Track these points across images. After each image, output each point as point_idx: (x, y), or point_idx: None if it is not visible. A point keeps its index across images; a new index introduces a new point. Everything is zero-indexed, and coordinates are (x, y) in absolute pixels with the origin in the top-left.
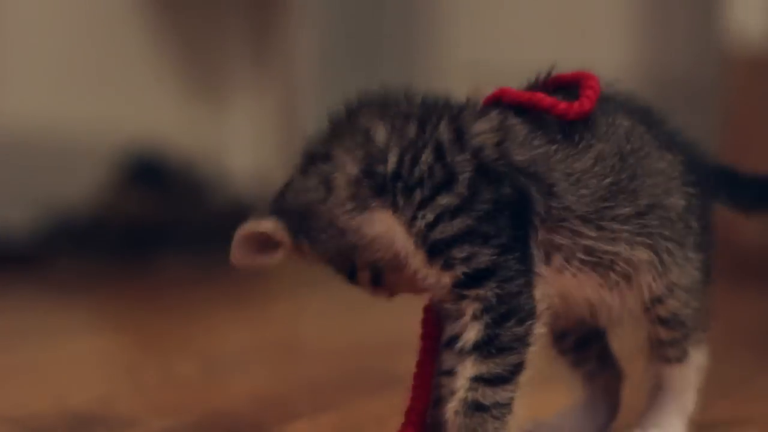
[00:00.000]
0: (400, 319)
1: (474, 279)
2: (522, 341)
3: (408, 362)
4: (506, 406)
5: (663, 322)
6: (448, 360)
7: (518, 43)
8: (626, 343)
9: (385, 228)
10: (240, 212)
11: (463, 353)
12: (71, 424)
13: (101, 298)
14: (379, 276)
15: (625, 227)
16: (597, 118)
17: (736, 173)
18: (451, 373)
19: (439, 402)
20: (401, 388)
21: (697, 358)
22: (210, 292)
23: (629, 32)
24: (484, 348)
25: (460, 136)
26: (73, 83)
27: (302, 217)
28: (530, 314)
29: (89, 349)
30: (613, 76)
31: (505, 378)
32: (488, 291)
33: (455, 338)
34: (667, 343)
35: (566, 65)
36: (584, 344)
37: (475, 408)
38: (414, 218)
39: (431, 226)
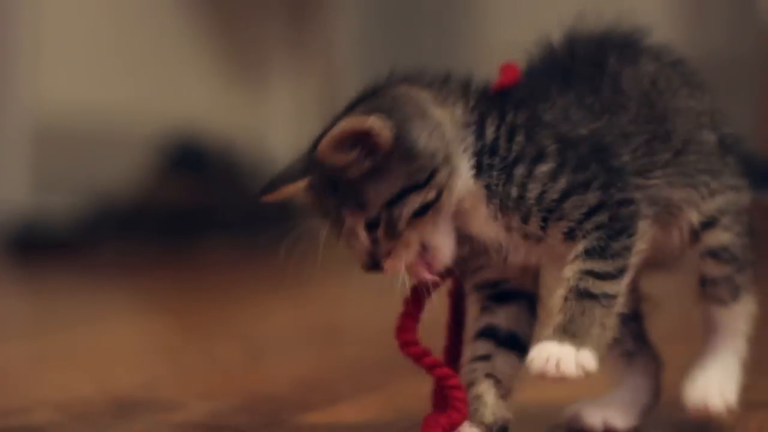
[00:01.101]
0: (439, 301)
1: (588, 216)
2: (629, 251)
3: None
4: (613, 298)
5: (713, 254)
6: (482, 347)
7: (557, 23)
8: (665, 328)
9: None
10: None
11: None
12: (115, 408)
13: (143, 283)
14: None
15: (668, 170)
16: (622, 71)
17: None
18: (486, 358)
19: (470, 386)
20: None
21: (748, 303)
22: (251, 275)
23: (669, 10)
24: (594, 252)
25: (533, 117)
26: (115, 70)
27: None
28: (635, 230)
29: (132, 334)
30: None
31: (613, 275)
32: (601, 217)
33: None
34: (718, 281)
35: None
36: (621, 323)
37: (586, 294)
38: (520, 191)
39: (541, 195)
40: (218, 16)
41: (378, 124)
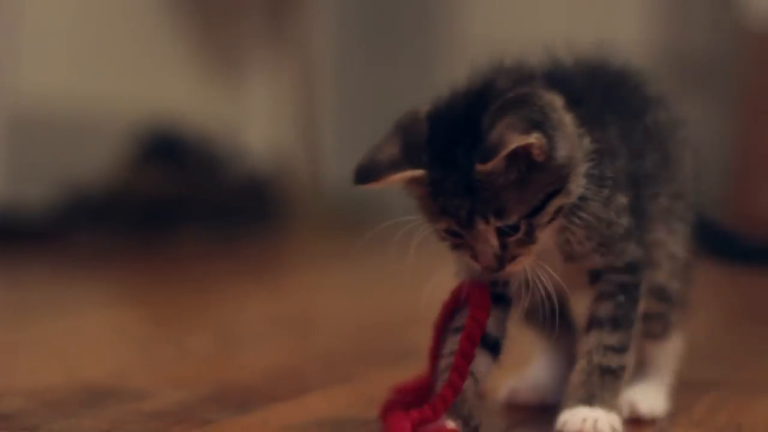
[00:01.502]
0: (414, 294)
1: (621, 272)
2: (636, 319)
3: (421, 336)
4: (626, 369)
5: (651, 292)
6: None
7: (535, 19)
8: None
9: None
10: (256, 188)
11: (594, 324)
12: (85, 397)
13: (117, 273)
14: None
15: (664, 220)
16: (644, 116)
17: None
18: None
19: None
20: (414, 362)
21: (677, 341)
22: (225, 266)
23: (647, 7)
24: (614, 324)
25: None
26: (91, 60)
27: None
28: (641, 296)
29: (104, 324)
30: (630, 51)
31: (627, 348)
32: (627, 278)
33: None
34: (652, 317)
35: (583, 40)
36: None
37: (608, 371)
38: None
39: (610, 223)
40: (196, 7)
41: (539, 143)
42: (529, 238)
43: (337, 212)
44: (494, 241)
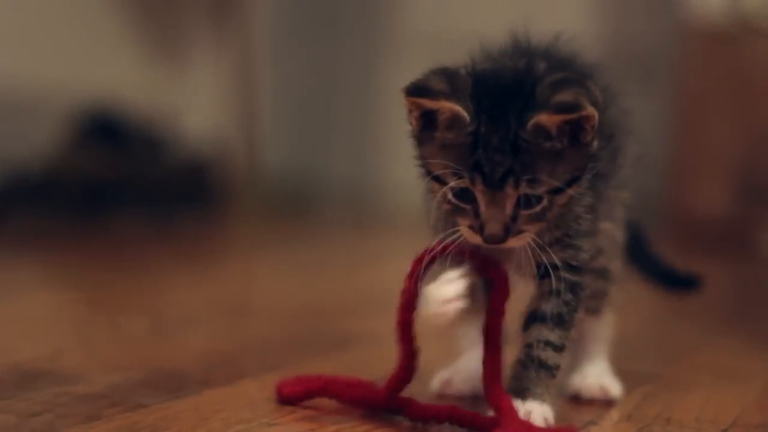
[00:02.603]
0: (349, 281)
1: (573, 270)
2: (575, 321)
3: (355, 324)
4: (559, 369)
5: (594, 272)
6: None
7: (478, 14)
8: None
9: None
10: (195, 172)
11: (537, 319)
12: (18, 378)
13: (53, 255)
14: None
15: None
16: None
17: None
18: None
19: None
20: (348, 349)
21: (609, 316)
22: (163, 250)
23: (590, 3)
24: (557, 322)
25: None
26: (31, 40)
27: None
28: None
29: (39, 306)
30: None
31: (564, 347)
32: (578, 278)
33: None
34: (593, 294)
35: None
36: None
37: (544, 366)
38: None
39: (576, 217)
40: None
41: (595, 119)
42: (542, 215)
43: (275, 198)
44: (510, 209)
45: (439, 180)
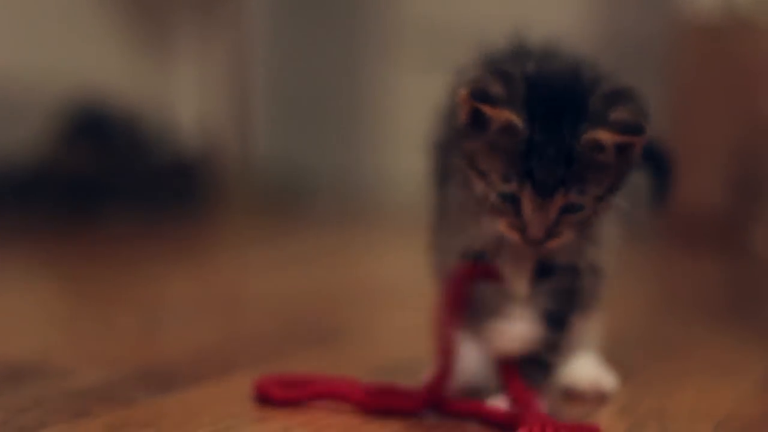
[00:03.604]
0: (339, 275)
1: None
2: (572, 324)
3: (346, 316)
4: (556, 366)
5: (587, 269)
6: None
7: (472, 6)
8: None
9: None
10: (184, 166)
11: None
12: (7, 374)
13: (41, 251)
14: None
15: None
16: None
17: None
18: None
19: None
20: (338, 342)
21: (601, 311)
22: (152, 244)
23: None
24: (554, 320)
25: None
26: (17, 34)
27: None
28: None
29: (28, 302)
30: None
31: (560, 347)
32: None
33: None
34: (586, 291)
35: (519, 26)
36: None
37: (538, 362)
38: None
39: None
40: None
41: (647, 138)
42: (583, 222)
43: (266, 192)
44: (554, 214)
45: (483, 175)
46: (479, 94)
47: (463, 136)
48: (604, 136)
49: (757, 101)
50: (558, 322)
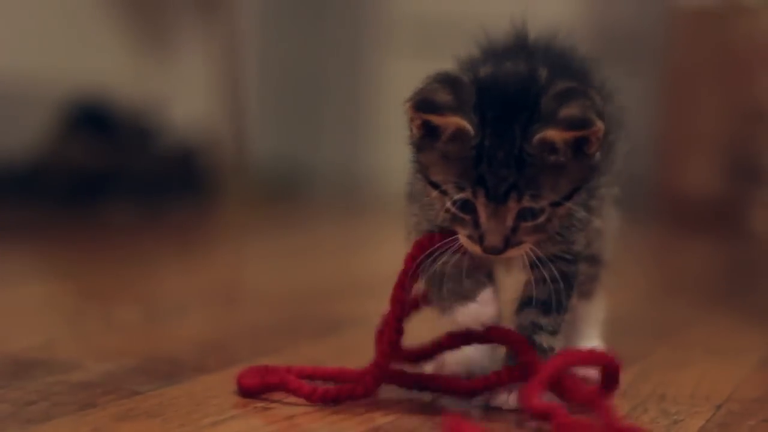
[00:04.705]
0: (339, 267)
1: (566, 262)
2: (570, 306)
3: (345, 309)
4: (554, 350)
5: (586, 259)
6: None
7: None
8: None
9: None
10: (183, 160)
11: (530, 305)
12: (12, 368)
13: (43, 246)
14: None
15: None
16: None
17: None
18: None
19: None
20: (341, 333)
21: (601, 299)
22: (153, 239)
23: None
24: (548, 308)
25: None
26: (18, 30)
27: None
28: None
29: (31, 296)
30: (559, 28)
31: (558, 331)
32: (572, 268)
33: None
34: (585, 279)
35: (512, 18)
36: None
37: (540, 349)
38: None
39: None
40: None
41: (601, 132)
42: (542, 227)
43: (265, 185)
44: (511, 221)
45: (438, 187)
46: (423, 105)
47: (417, 151)
48: (553, 135)
49: (753, 85)
50: (556, 307)
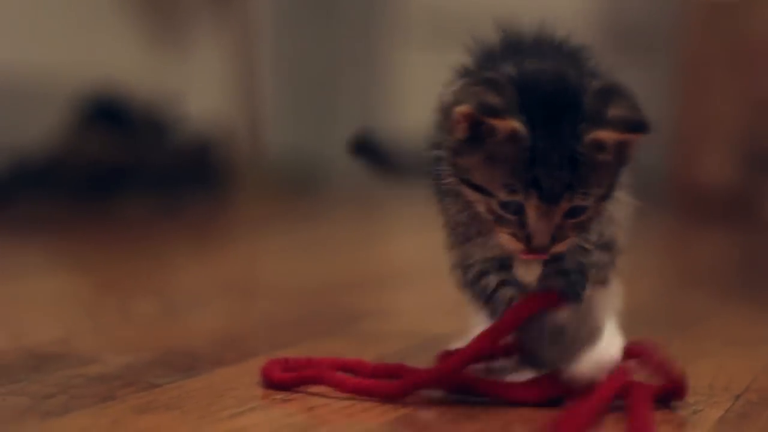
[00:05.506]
0: (356, 261)
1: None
2: (586, 296)
3: (363, 302)
4: None
5: (600, 245)
6: None
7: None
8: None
9: None
10: (199, 153)
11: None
12: (30, 362)
13: (60, 240)
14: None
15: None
16: None
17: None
18: None
19: None
20: (357, 326)
21: (617, 285)
22: (170, 232)
23: None
24: (564, 296)
25: None
26: (33, 25)
27: None
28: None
29: (49, 289)
30: (572, 21)
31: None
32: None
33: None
34: (600, 266)
35: (524, 11)
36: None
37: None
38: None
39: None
40: None
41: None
42: (587, 223)
43: (280, 178)
44: (558, 219)
45: (482, 190)
46: (485, 108)
47: (456, 154)
48: (606, 136)
49: (766, 74)
50: (571, 297)
